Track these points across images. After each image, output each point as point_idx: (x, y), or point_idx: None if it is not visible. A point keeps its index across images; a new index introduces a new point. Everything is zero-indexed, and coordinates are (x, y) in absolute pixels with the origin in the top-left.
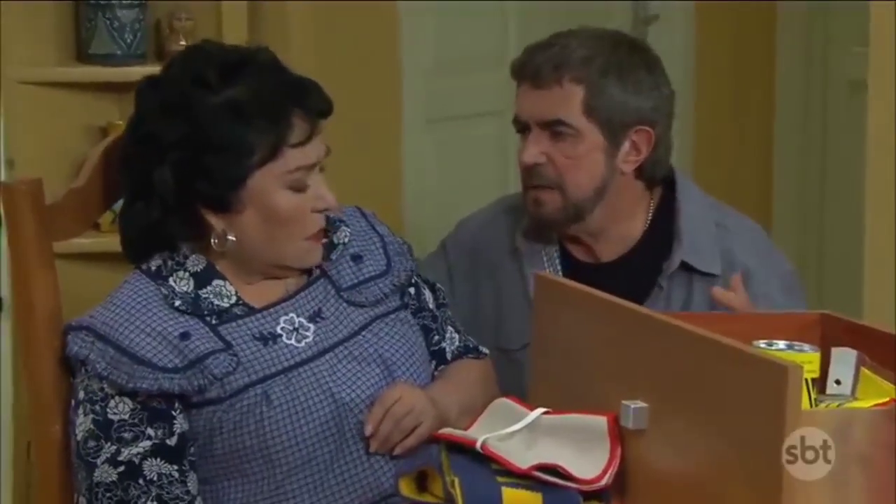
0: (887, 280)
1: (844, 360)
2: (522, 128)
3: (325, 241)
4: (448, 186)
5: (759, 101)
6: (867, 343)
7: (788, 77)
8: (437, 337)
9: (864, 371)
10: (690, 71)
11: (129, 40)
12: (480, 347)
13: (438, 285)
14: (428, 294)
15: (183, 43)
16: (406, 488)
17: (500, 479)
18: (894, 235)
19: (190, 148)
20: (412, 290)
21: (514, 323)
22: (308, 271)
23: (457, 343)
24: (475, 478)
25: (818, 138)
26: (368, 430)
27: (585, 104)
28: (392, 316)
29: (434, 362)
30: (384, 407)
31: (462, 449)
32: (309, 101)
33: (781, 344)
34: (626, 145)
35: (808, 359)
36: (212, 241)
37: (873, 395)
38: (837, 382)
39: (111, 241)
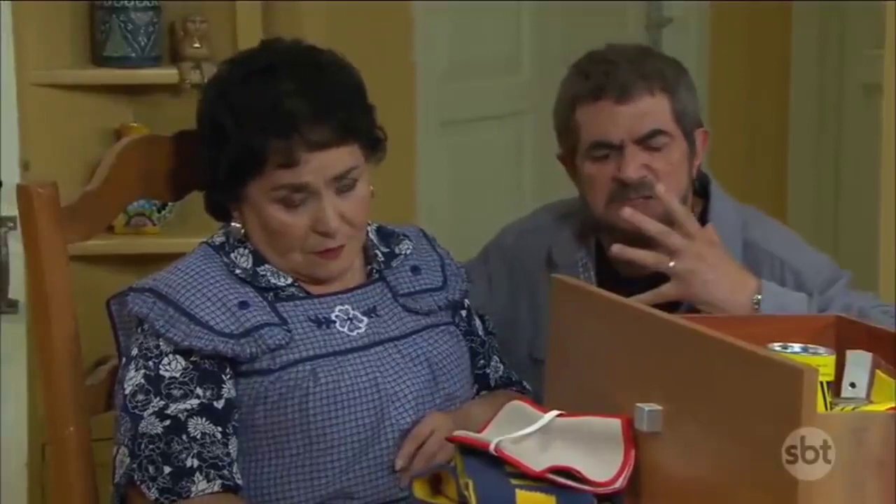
0: None
1: (859, 362)
2: (609, 149)
3: (386, 250)
4: (461, 189)
5: (774, 104)
6: (882, 346)
7: (803, 80)
8: (482, 361)
9: (879, 374)
10: (704, 74)
11: (143, 43)
12: (524, 382)
13: (487, 317)
14: (478, 321)
15: (197, 45)
16: (420, 490)
17: (514, 481)
18: None
19: (202, 136)
20: (464, 312)
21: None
22: (367, 273)
23: (500, 373)
24: (489, 480)
25: (833, 142)
26: (399, 465)
27: (674, 111)
28: (443, 328)
29: (476, 386)
30: (417, 442)
31: (476, 451)
32: (293, 133)
33: (796, 347)
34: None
35: (823, 362)
36: (232, 232)
37: (888, 398)
38: (852, 385)
39: (125, 243)
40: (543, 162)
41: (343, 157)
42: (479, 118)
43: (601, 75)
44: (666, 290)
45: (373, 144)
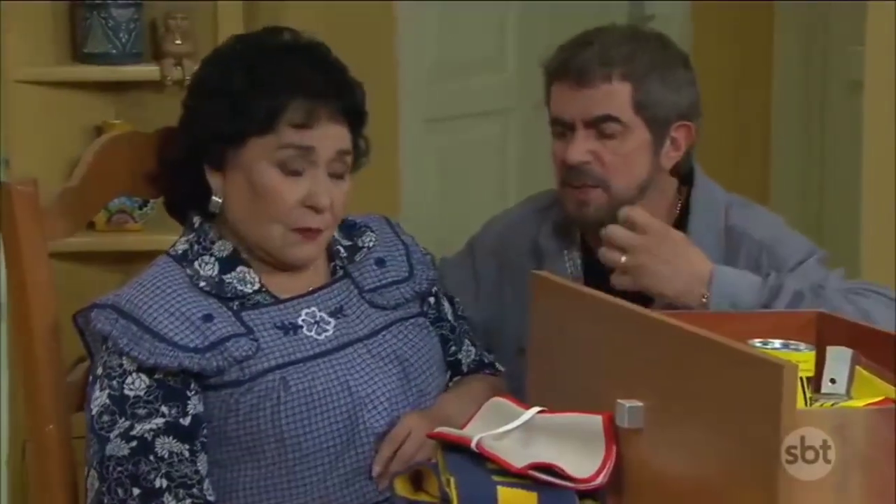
0: (885, 279)
1: (839, 358)
2: (564, 128)
3: (348, 243)
4: (446, 187)
5: (758, 101)
6: (863, 342)
7: (787, 77)
8: (454, 347)
9: (860, 370)
10: None
11: (124, 39)
12: (497, 364)
13: (457, 299)
14: (447, 306)
15: (179, 42)
16: (401, 487)
17: (495, 477)
18: (893, 235)
19: (206, 91)
20: (432, 299)
21: None
22: (332, 271)
23: (472, 356)
24: (471, 477)
25: (817, 138)
26: (376, 470)
27: (634, 100)
28: (411, 321)
29: (449, 372)
30: (394, 445)
31: (458, 448)
32: (317, 98)
33: (777, 343)
34: (668, 141)
35: (803, 358)
36: (209, 206)
37: (868, 394)
38: (832, 381)
39: (106, 241)
40: (528, 159)
41: (347, 137)
42: (464, 116)
43: (569, 54)
44: (615, 279)
45: (358, 152)
